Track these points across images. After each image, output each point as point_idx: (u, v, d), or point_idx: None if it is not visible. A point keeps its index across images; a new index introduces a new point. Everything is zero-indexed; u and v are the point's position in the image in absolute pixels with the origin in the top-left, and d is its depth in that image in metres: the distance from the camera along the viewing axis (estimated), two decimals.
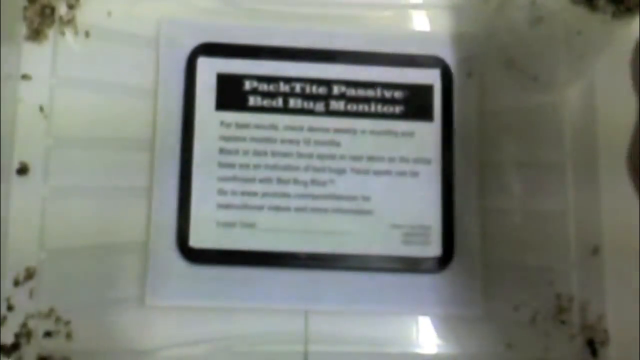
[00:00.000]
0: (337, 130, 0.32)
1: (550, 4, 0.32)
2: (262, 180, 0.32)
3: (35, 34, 0.32)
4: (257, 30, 0.33)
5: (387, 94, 0.33)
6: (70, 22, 0.32)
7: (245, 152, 0.32)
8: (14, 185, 0.31)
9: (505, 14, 0.33)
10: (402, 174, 0.32)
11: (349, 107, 0.33)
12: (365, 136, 0.32)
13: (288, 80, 0.33)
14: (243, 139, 0.32)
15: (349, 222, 0.32)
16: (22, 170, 0.31)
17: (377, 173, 0.32)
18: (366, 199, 0.32)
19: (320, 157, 0.32)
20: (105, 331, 0.30)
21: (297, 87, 0.33)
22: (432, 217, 0.32)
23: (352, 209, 0.32)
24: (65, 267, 0.31)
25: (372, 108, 0.33)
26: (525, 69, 0.33)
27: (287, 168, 0.32)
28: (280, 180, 0.32)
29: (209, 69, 0.32)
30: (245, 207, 0.31)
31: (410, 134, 0.33)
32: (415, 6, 0.34)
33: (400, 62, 0.33)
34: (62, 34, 0.32)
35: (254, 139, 0.32)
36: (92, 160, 0.31)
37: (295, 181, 0.32)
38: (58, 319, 0.30)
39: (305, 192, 0.32)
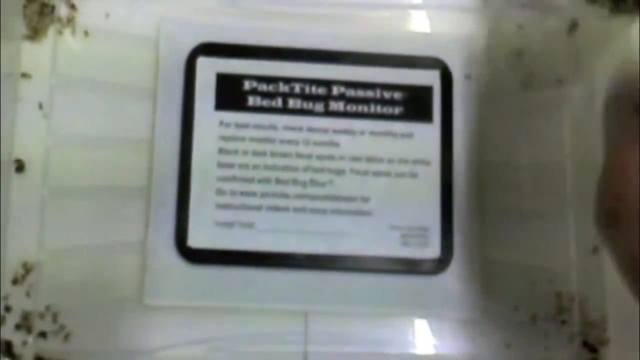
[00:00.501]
0: (337, 131, 0.32)
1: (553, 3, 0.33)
2: (261, 181, 0.32)
3: (35, 33, 0.32)
4: (256, 30, 0.33)
5: (387, 94, 0.33)
6: (69, 21, 0.32)
7: (245, 152, 0.32)
8: (13, 184, 0.31)
9: (507, 15, 0.34)
10: (401, 175, 0.32)
11: (348, 107, 0.33)
12: (364, 137, 0.32)
13: (287, 80, 0.33)
14: (242, 139, 0.32)
15: (347, 222, 0.32)
16: (21, 168, 0.31)
17: (376, 174, 0.32)
18: (365, 199, 0.32)
19: (320, 157, 0.32)
20: (103, 331, 0.30)
21: (297, 88, 0.33)
22: (431, 218, 0.32)
23: (351, 209, 0.32)
24: (63, 267, 0.30)
25: (372, 109, 0.33)
26: (525, 70, 0.33)
27: (286, 168, 0.32)
28: (279, 181, 0.32)
29: (208, 69, 0.32)
30: (244, 207, 0.31)
31: (410, 135, 0.33)
32: (415, 7, 0.34)
33: (399, 63, 0.33)
34: (60, 33, 0.32)
35: (253, 139, 0.32)
36: (92, 159, 0.31)
37: (295, 181, 0.32)
38: (56, 319, 0.30)
39: (304, 192, 0.32)
